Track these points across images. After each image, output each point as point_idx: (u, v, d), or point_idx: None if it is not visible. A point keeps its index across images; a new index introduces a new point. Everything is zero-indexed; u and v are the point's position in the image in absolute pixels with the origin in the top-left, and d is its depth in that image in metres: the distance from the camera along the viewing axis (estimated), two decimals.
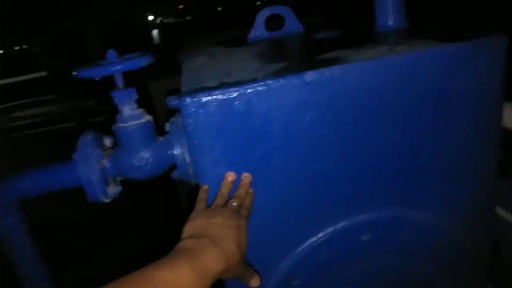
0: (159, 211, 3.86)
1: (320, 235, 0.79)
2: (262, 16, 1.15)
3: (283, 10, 1.16)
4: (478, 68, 0.72)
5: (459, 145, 0.77)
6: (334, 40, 0.98)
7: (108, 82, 0.77)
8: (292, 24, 1.16)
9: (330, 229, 0.79)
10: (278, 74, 0.68)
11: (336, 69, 0.68)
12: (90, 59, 0.79)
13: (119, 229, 3.70)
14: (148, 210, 3.93)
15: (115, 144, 0.79)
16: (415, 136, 0.75)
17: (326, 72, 0.68)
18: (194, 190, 0.78)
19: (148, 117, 0.77)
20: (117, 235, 3.57)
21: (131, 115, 0.74)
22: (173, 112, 0.81)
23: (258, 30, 1.17)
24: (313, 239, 0.79)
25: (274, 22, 1.17)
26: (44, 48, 6.56)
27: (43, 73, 6.45)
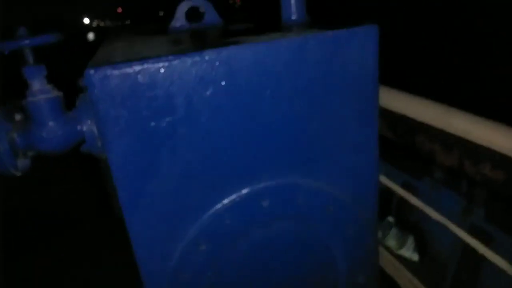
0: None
1: (225, 201, 0.87)
2: (181, 8, 1.22)
3: (202, 3, 1.24)
4: (354, 52, 0.84)
5: (343, 120, 0.90)
6: (244, 30, 1.07)
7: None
8: (211, 17, 1.24)
9: (233, 196, 0.87)
10: (181, 52, 0.76)
11: (232, 49, 0.77)
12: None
13: (44, 235, 3.54)
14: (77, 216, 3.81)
15: (26, 119, 0.82)
16: (304, 111, 0.86)
17: (223, 51, 0.76)
18: None
19: (57, 93, 0.80)
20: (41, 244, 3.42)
21: (40, 89, 0.78)
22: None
23: (179, 22, 1.23)
24: (218, 205, 0.86)
25: (198, 15, 1.25)
26: None
27: None
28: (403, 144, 1.80)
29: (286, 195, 0.90)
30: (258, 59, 0.79)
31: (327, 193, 0.93)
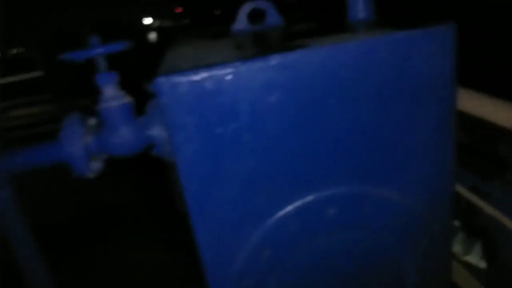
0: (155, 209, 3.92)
1: (289, 208, 0.85)
2: (244, 10, 1.22)
3: (264, 5, 1.23)
4: (429, 54, 0.78)
5: (415, 126, 0.84)
6: (307, 31, 1.05)
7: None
8: (273, 18, 1.23)
9: (298, 203, 0.85)
10: (246, 58, 0.75)
11: (298, 53, 0.75)
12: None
13: (112, 229, 3.76)
14: (143, 210, 4.00)
15: (99, 124, 0.86)
16: (374, 116, 0.81)
17: (289, 56, 0.74)
18: None
19: (128, 99, 0.83)
20: (109, 236, 3.63)
21: (113, 96, 0.81)
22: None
23: (241, 24, 1.23)
24: (282, 212, 0.85)
25: (259, 17, 1.24)
26: (40, 48, 6.63)
27: (39, 73, 6.53)
28: (482, 151, 1.66)
29: (354, 204, 0.87)
30: (325, 63, 0.76)
31: (399, 203, 0.88)
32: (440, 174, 0.90)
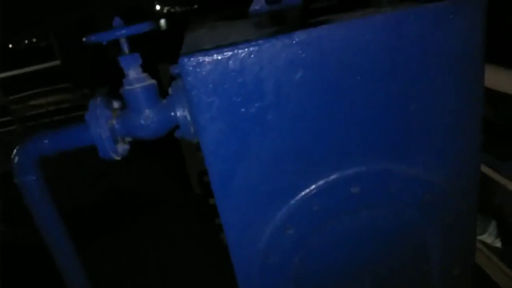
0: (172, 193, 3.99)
1: (312, 187, 0.85)
2: None
3: None
4: (459, 27, 0.76)
5: (443, 102, 0.82)
6: (328, 8, 1.03)
7: (120, 70, 0.84)
8: None
9: (321, 182, 0.85)
10: (269, 36, 0.74)
11: (323, 29, 0.73)
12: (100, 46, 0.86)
13: (133, 211, 3.86)
14: (161, 193, 4.07)
15: (123, 107, 0.87)
16: (400, 92, 0.80)
17: (313, 32, 0.73)
18: (204, 172, 0.85)
19: (152, 81, 0.83)
20: (130, 218, 3.73)
21: (136, 78, 0.81)
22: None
23: (258, 4, 1.22)
24: (306, 191, 0.85)
25: None
26: (56, 37, 6.69)
27: (57, 62, 6.60)
28: (507, 127, 1.63)
29: (378, 182, 0.86)
30: (351, 38, 0.74)
31: (424, 180, 0.87)
32: (466, 151, 0.89)
